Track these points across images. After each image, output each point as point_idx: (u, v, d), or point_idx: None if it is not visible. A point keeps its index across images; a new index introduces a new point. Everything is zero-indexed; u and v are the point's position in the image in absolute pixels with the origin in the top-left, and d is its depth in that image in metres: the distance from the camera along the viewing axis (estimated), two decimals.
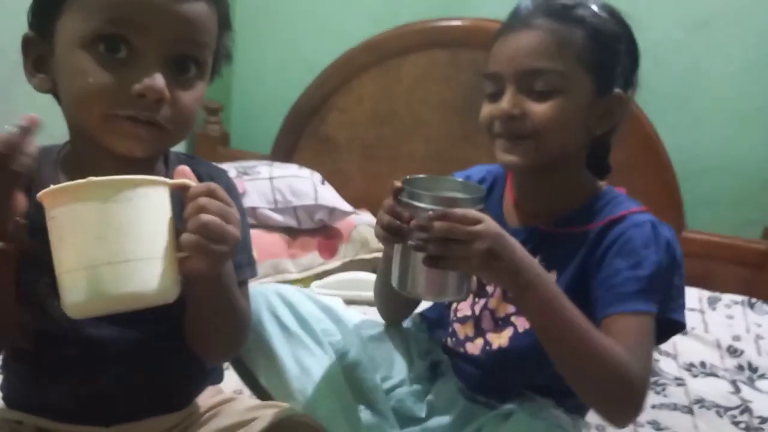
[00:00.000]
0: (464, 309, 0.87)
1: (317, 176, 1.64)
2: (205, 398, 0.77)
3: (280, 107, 2.00)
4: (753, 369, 1.24)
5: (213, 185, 0.55)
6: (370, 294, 1.37)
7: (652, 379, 1.17)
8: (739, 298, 1.54)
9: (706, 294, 1.57)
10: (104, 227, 0.49)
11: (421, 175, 0.75)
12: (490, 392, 0.84)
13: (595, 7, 0.77)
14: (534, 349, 0.75)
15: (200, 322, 0.65)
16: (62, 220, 0.49)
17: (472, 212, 0.65)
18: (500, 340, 0.83)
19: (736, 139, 1.67)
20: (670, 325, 0.77)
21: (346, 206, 1.55)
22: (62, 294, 0.50)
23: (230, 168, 1.60)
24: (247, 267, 0.72)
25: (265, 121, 2.02)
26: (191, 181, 0.55)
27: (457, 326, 0.87)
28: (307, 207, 1.50)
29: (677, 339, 1.34)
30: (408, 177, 0.71)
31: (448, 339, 0.89)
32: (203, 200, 0.53)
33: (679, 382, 1.17)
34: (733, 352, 1.29)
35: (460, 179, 0.79)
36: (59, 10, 0.57)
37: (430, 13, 1.84)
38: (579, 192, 0.82)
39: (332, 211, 1.53)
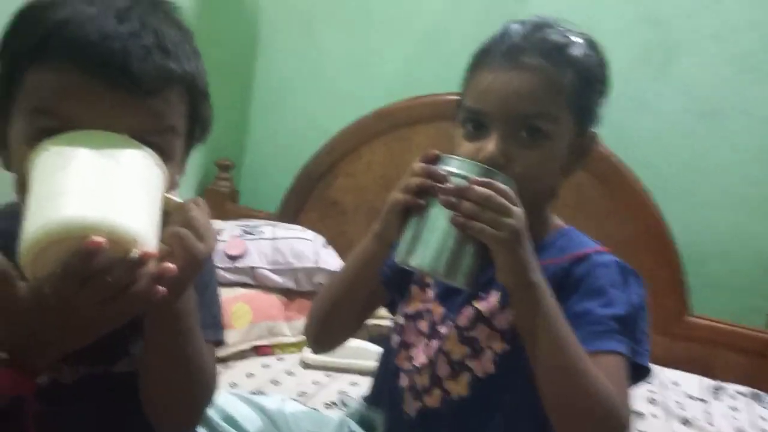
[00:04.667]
0: (419, 356, 0.82)
1: (320, 239, 1.64)
2: None
3: (291, 168, 2.04)
4: None
5: (199, 199, 0.55)
6: (364, 363, 1.36)
7: None
8: (744, 389, 1.49)
9: (709, 383, 1.52)
10: (82, 163, 0.48)
11: (451, 156, 0.71)
12: None
13: (583, 46, 0.75)
14: (498, 399, 0.73)
15: (157, 372, 0.60)
16: (48, 165, 0.48)
17: (513, 192, 0.65)
18: (458, 387, 0.78)
19: (742, 225, 1.67)
20: (636, 371, 0.73)
21: None
22: (28, 228, 0.45)
23: (235, 227, 1.62)
24: (210, 329, 0.67)
25: (275, 181, 2.05)
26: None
27: (416, 377, 0.81)
28: (307, 269, 1.50)
29: (680, 429, 1.29)
30: (441, 155, 0.69)
31: (407, 394, 0.82)
32: (190, 204, 0.53)
33: None
34: None
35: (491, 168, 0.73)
36: (8, 97, 0.55)
37: (441, 86, 1.89)
38: (543, 228, 0.79)
39: (332, 274, 1.52)
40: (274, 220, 1.88)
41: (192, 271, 0.53)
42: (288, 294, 1.51)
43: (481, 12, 1.89)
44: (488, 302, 0.78)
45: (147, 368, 0.61)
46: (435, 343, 0.81)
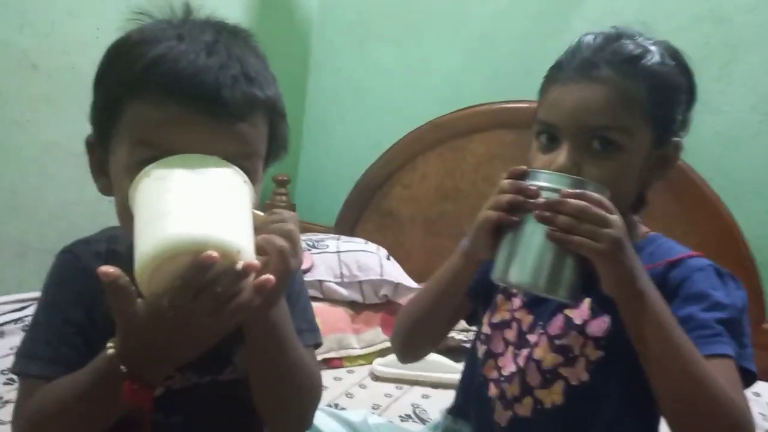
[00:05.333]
0: (509, 365, 0.81)
1: (383, 251, 1.64)
2: None
3: (345, 182, 2.05)
4: None
5: (294, 215, 0.57)
6: (433, 374, 1.35)
7: None
8: None
9: None
10: (188, 184, 0.51)
11: (535, 169, 0.71)
12: None
13: (659, 55, 0.73)
14: (596, 408, 0.71)
15: (263, 380, 0.64)
16: (153, 189, 0.51)
17: (608, 201, 0.63)
18: (552, 396, 0.76)
19: None
20: (742, 375, 0.69)
21: (410, 282, 1.54)
22: (135, 256, 0.49)
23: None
24: (308, 332, 0.71)
25: (330, 195, 2.07)
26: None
27: (505, 386, 0.80)
28: (372, 282, 1.50)
29: None
30: (527, 169, 0.68)
31: (497, 404, 0.81)
32: (286, 215, 0.56)
33: None
34: None
35: (579, 177, 0.72)
36: (110, 127, 0.58)
37: (491, 96, 1.88)
38: (630, 235, 0.75)
39: (397, 286, 1.52)
40: (331, 232, 1.89)
41: (285, 282, 0.56)
42: (354, 306, 1.51)
43: (529, 19, 1.88)
44: (580, 309, 0.76)
45: (253, 378, 0.64)
46: (524, 352, 0.80)
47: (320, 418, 0.90)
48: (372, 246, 1.66)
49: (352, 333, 1.44)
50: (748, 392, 1.37)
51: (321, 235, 1.73)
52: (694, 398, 0.64)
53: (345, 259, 1.53)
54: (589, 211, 0.62)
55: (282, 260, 0.53)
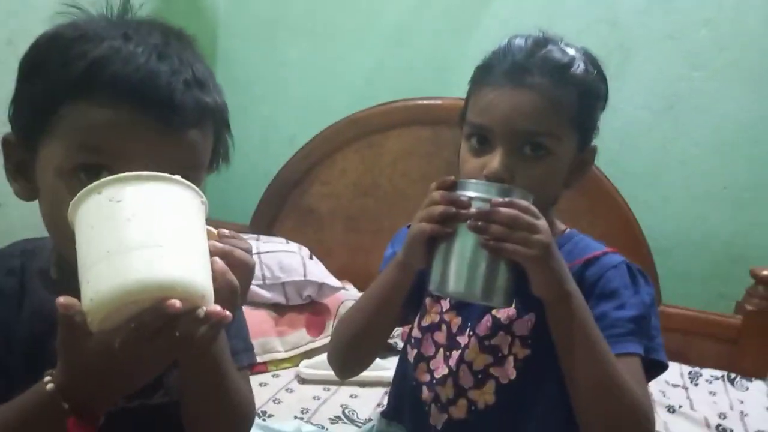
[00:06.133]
0: (440, 368, 0.83)
1: (305, 251, 1.62)
2: None
3: (260, 178, 2.00)
4: None
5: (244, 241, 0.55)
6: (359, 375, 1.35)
7: None
8: (718, 373, 1.57)
9: (686, 369, 1.59)
10: (147, 211, 0.46)
11: (465, 179, 0.72)
12: None
13: (584, 63, 0.76)
14: (526, 405, 0.74)
15: (196, 405, 0.62)
16: (105, 212, 0.46)
17: (535, 208, 0.65)
18: (485, 396, 0.79)
19: (706, 216, 1.76)
20: (652, 365, 0.76)
21: (334, 282, 1.54)
22: (87, 290, 0.45)
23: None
24: (243, 353, 0.70)
25: (244, 192, 2.01)
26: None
27: (438, 389, 0.82)
28: (296, 283, 1.48)
29: (667, 418, 1.35)
30: (457, 180, 0.69)
31: (432, 408, 0.83)
32: (233, 241, 0.54)
33: None
34: (722, 431, 1.31)
35: (506, 185, 0.74)
36: (42, 128, 0.55)
37: (409, 92, 1.90)
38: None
39: (321, 286, 1.51)
40: (245, 231, 1.84)
41: (233, 312, 0.53)
42: (277, 309, 1.48)
43: (440, 16, 1.91)
44: (506, 310, 0.79)
45: (186, 403, 0.63)
46: (455, 354, 0.81)
47: None
48: (294, 245, 1.63)
49: (276, 336, 1.41)
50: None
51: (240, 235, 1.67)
52: (605, 396, 0.69)
53: (266, 261, 1.49)
54: (520, 219, 0.65)
55: (232, 297, 0.51)
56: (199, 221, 0.50)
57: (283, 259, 1.51)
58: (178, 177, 0.49)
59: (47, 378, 0.50)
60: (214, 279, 0.49)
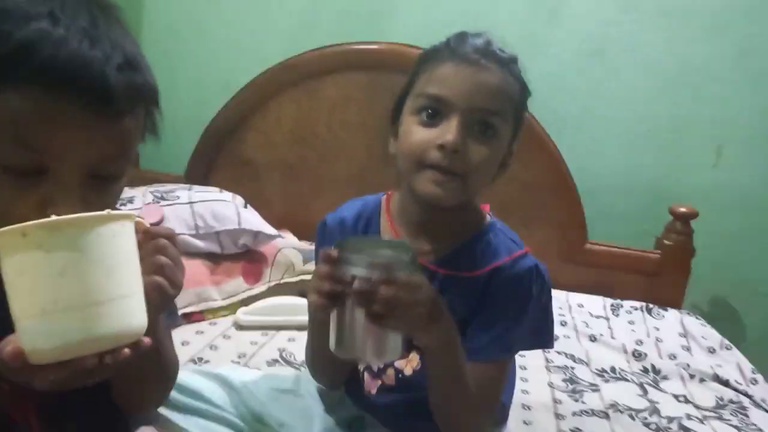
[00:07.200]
0: None
1: (239, 200, 1.60)
2: None
3: (194, 126, 1.94)
4: (656, 371, 1.35)
5: (172, 231, 0.56)
6: (298, 318, 1.38)
7: (571, 387, 1.24)
8: (638, 304, 1.68)
9: (609, 301, 1.70)
10: (82, 264, 0.46)
11: (351, 238, 0.77)
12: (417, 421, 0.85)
13: (520, 66, 0.80)
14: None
15: (132, 382, 0.64)
16: (35, 262, 0.45)
17: (415, 278, 0.68)
18: (411, 363, 0.86)
19: (632, 158, 1.84)
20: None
21: (270, 230, 1.53)
22: (24, 342, 0.46)
23: (146, 192, 1.54)
24: (168, 316, 0.72)
25: (178, 141, 1.94)
26: (145, 221, 0.55)
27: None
28: (230, 232, 1.47)
29: (589, 346, 1.44)
30: (339, 241, 0.71)
31: (365, 375, 0.89)
32: (163, 242, 0.54)
33: (594, 387, 1.25)
34: (638, 356, 1.41)
35: (388, 239, 0.80)
36: None
37: (345, 36, 1.86)
38: (468, 226, 0.85)
39: (256, 234, 1.50)
40: (181, 182, 1.80)
41: (165, 307, 0.57)
42: (213, 258, 1.47)
43: None
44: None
45: (121, 382, 0.65)
46: None
47: (193, 378, 0.89)
48: (227, 195, 1.61)
49: (211, 285, 1.40)
50: (574, 304, 1.58)
51: (171, 186, 1.64)
52: (460, 414, 0.80)
53: (199, 210, 1.47)
54: (400, 298, 0.66)
55: (160, 294, 0.53)
56: (132, 247, 0.50)
57: (216, 208, 1.49)
58: (107, 212, 0.48)
59: None
60: (147, 295, 0.51)
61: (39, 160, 0.50)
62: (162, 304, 0.55)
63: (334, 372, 0.93)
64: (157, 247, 0.54)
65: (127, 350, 0.48)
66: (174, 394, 0.82)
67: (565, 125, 1.83)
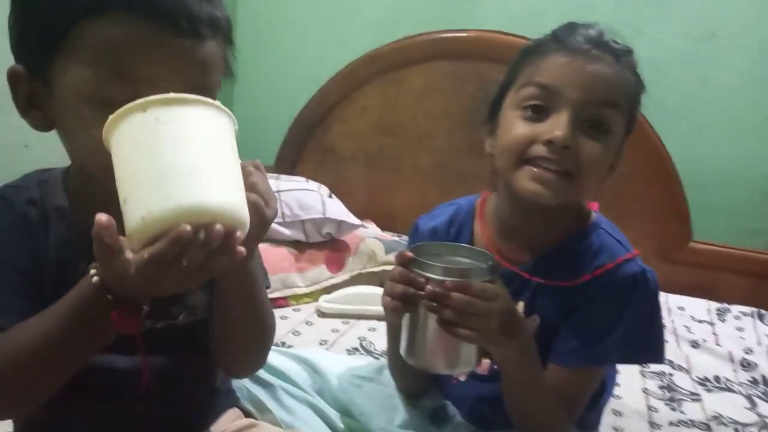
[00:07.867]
0: None
1: (324, 189, 1.62)
2: (225, 422, 0.76)
3: (283, 119, 1.99)
4: (767, 383, 1.23)
5: (258, 161, 0.57)
6: (378, 308, 1.36)
7: (668, 395, 1.16)
8: (747, 309, 1.54)
9: (714, 305, 1.56)
10: (192, 138, 0.46)
11: (429, 242, 0.75)
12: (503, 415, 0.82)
13: (634, 59, 0.75)
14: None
15: (234, 325, 0.65)
16: (142, 129, 0.46)
17: (491, 287, 0.64)
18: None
19: (742, 149, 1.68)
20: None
21: (353, 219, 1.54)
22: (136, 209, 0.45)
23: None
24: (264, 277, 0.72)
25: (268, 132, 2.01)
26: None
27: None
28: (315, 220, 1.49)
29: (690, 352, 1.33)
30: (417, 244, 0.69)
31: None
32: (253, 167, 0.55)
33: (695, 397, 1.15)
34: (746, 365, 1.28)
35: (467, 246, 0.75)
36: (54, 52, 0.54)
37: (431, 25, 1.83)
38: (568, 227, 0.79)
39: (340, 224, 1.51)
40: (270, 172, 1.85)
41: (262, 233, 0.56)
42: (297, 246, 1.49)
43: None
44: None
45: (222, 321, 0.66)
46: None
47: (279, 359, 0.92)
48: (313, 184, 1.63)
49: (296, 272, 1.43)
50: (674, 306, 1.48)
51: None
52: (531, 414, 0.77)
53: (286, 199, 1.50)
54: (475, 305, 0.63)
55: (255, 214, 0.52)
56: (235, 146, 0.50)
57: (302, 197, 1.52)
58: (218, 102, 0.49)
59: (92, 270, 0.51)
60: (250, 211, 0.50)
61: (135, 92, 0.51)
62: (259, 226, 0.53)
63: (413, 380, 0.90)
64: (248, 171, 0.54)
65: (220, 231, 0.45)
66: (261, 372, 0.84)
67: (670, 114, 1.70)
